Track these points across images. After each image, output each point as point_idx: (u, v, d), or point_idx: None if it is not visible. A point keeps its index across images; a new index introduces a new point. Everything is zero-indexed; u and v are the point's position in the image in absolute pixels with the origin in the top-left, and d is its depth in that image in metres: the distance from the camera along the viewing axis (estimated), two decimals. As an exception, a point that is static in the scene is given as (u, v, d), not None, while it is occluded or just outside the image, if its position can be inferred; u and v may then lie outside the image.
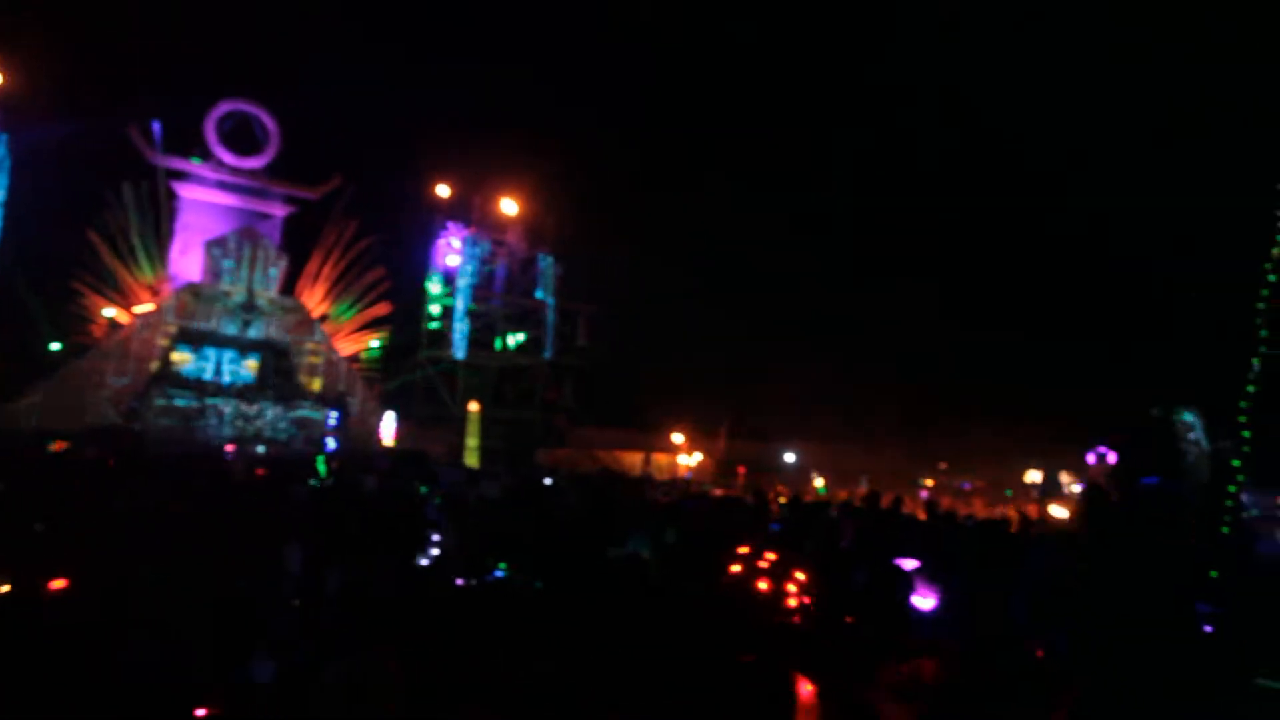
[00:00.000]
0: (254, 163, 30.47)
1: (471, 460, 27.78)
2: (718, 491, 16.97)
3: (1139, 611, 4.42)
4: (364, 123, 39.91)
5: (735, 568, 4.94)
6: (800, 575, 4.90)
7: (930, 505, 11.83)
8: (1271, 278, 5.55)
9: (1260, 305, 5.60)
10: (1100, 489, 8.75)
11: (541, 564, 5.77)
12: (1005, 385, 30.44)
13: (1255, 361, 5.65)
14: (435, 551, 5.92)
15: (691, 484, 24.59)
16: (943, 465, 32.92)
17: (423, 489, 9.76)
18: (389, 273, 32.65)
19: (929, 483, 30.39)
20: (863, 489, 21.12)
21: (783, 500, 12.37)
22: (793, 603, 4.81)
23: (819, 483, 28.35)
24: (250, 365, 28.21)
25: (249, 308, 28.47)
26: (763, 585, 4.81)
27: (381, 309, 32.52)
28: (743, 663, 3.96)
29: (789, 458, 33.25)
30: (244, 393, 27.30)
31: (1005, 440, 28.04)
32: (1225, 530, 6.44)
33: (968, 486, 30.86)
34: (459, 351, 31.54)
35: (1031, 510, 18.36)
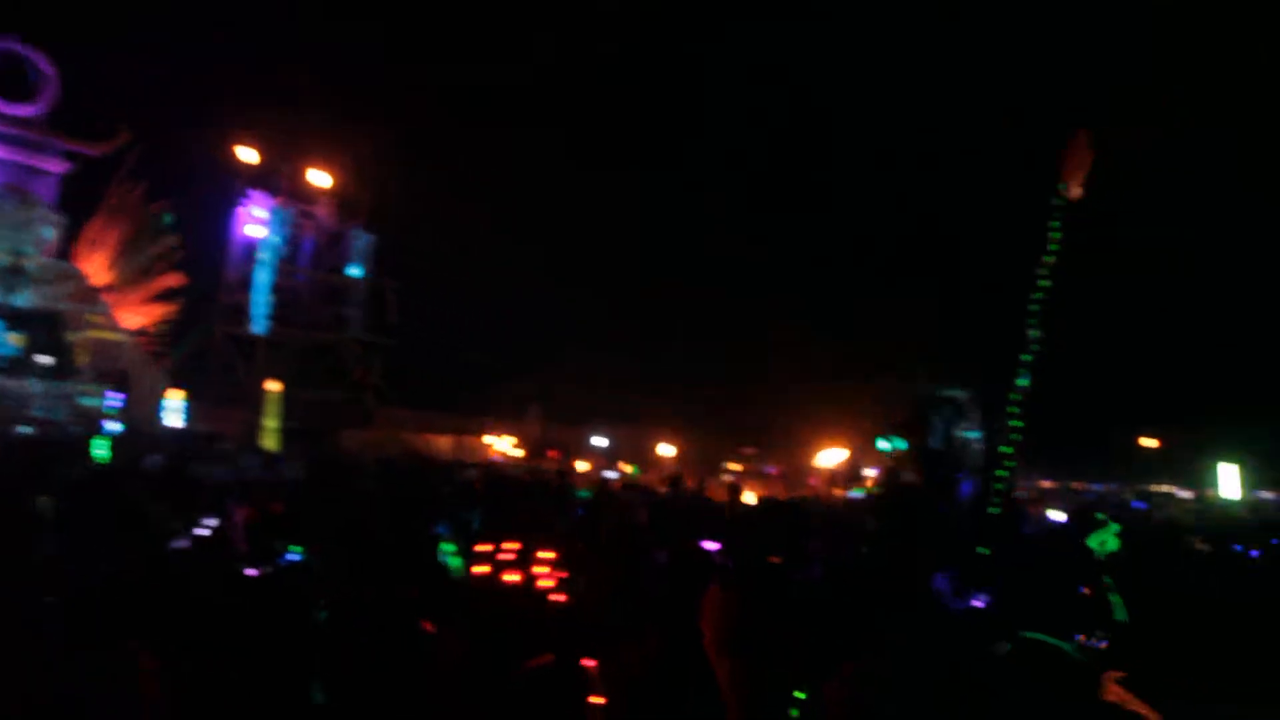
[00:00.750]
0: (25, 110, 27.44)
1: (270, 442, 26.38)
2: (526, 476, 16.88)
3: (924, 587, 4.68)
4: (160, 76, 36.89)
5: (480, 568, 4.81)
6: (546, 556, 4.85)
7: (732, 489, 12.22)
8: (1044, 283, 5.97)
9: (1033, 307, 6.01)
10: (897, 474, 9.29)
11: (342, 550, 5.50)
12: (812, 370, 31.89)
13: (1026, 357, 6.05)
14: (208, 530, 5.50)
15: (502, 468, 24.38)
16: (749, 450, 34.22)
17: (211, 472, 9.14)
18: (183, 241, 30.46)
19: (735, 467, 31.49)
20: (669, 471, 21.62)
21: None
22: (544, 584, 4.76)
23: (629, 468, 28.78)
24: (15, 338, 25.50)
25: (15, 272, 25.72)
26: (512, 578, 4.72)
27: (173, 280, 30.29)
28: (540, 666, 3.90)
29: (600, 441, 33.59)
30: (8, 368, 24.65)
31: (807, 425, 29.48)
32: (995, 510, 6.90)
33: (773, 471, 32.19)
34: (259, 327, 29.88)
35: (826, 493, 19.39)
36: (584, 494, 11.57)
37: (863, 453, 26.67)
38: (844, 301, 37.27)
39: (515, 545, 4.83)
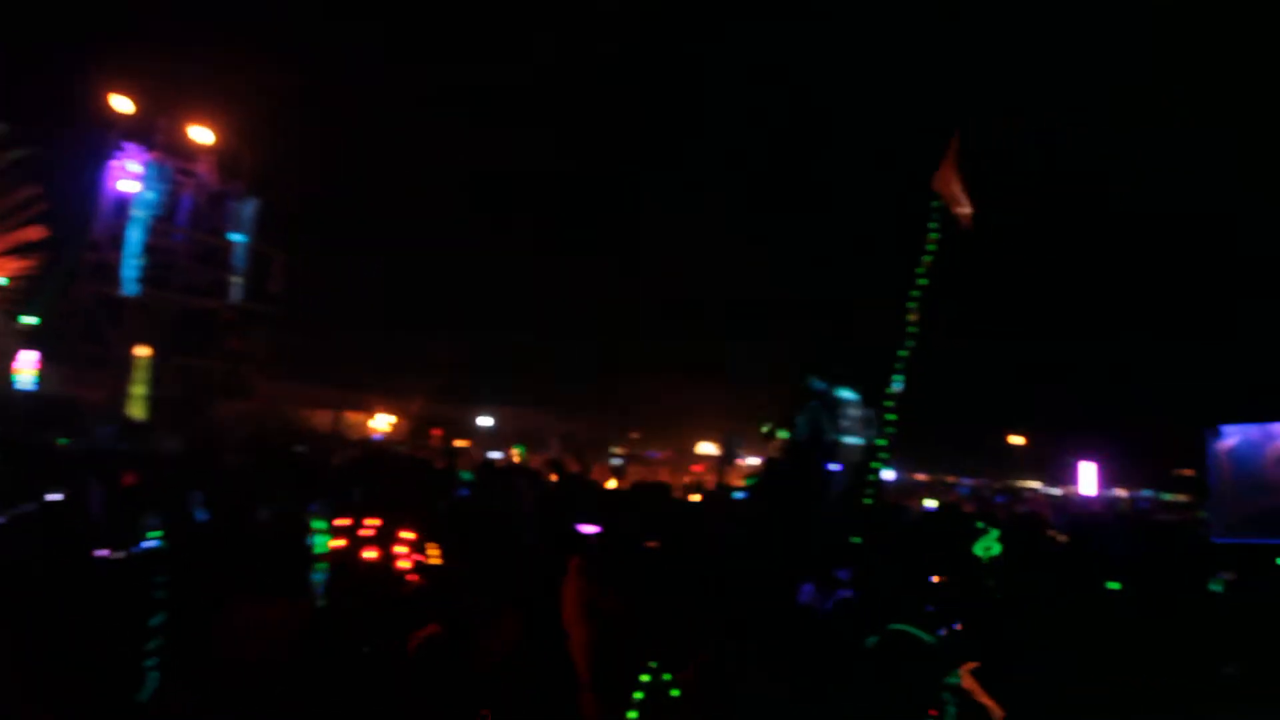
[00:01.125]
0: None
1: (137, 410, 25.12)
2: (408, 455, 16.57)
3: (787, 574, 4.76)
4: (23, 11, 34.38)
5: (337, 542, 4.70)
6: (407, 535, 4.79)
7: (616, 471, 12.25)
8: (922, 281, 6.12)
9: (910, 305, 6.15)
10: (779, 464, 9.47)
11: (203, 532, 5.25)
12: (698, 358, 32.17)
13: (903, 353, 6.19)
14: (50, 503, 5.17)
15: (384, 445, 23.87)
16: (635, 434, 34.40)
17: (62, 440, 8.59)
18: (47, 192, 28.48)
19: (620, 451, 31.61)
20: (552, 454, 21.53)
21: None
22: (404, 565, 4.69)
23: (516, 449, 28.57)
24: None
25: None
26: (370, 555, 4.64)
27: (35, 233, 28.35)
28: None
29: (485, 421, 33.23)
30: None
31: (691, 411, 29.84)
32: (868, 502, 7.08)
33: (656, 455, 32.45)
34: (130, 288, 28.31)
35: (709, 480, 19.64)
36: (467, 475, 11.42)
37: (746, 441, 27.14)
38: (733, 291, 37.74)
39: (376, 522, 4.71)
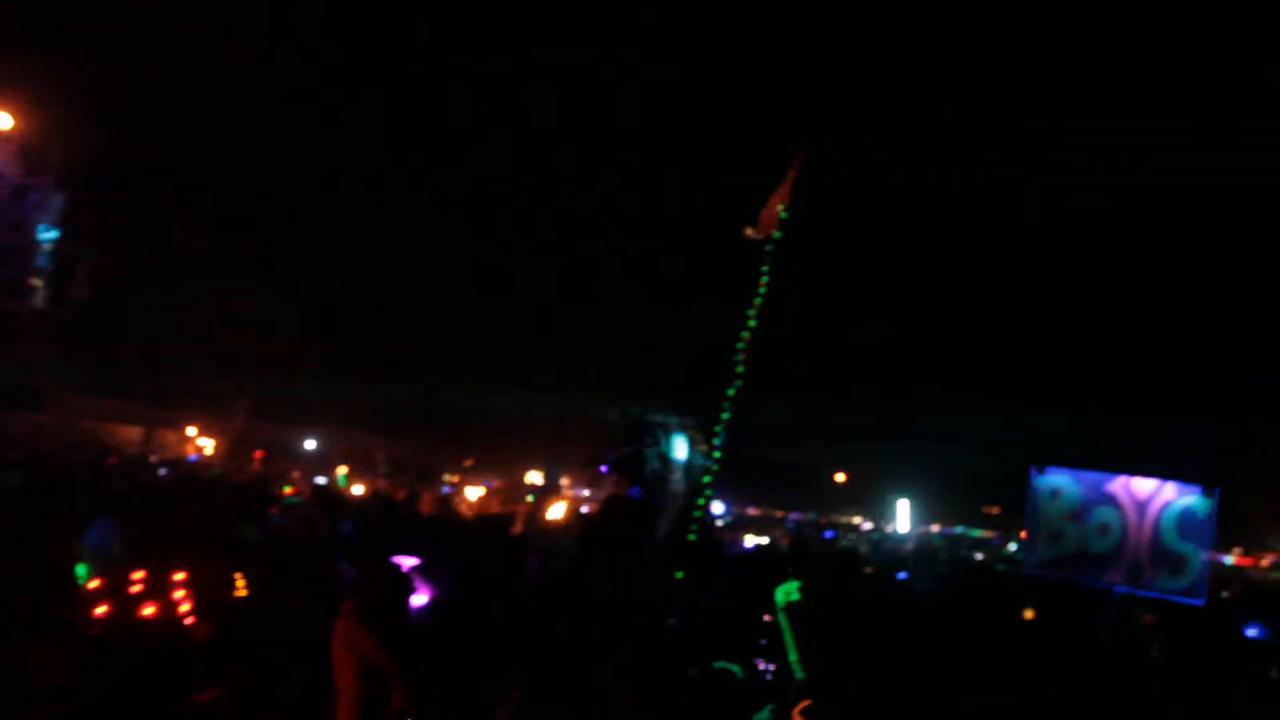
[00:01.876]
0: None
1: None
2: (238, 477, 15.60)
3: (604, 609, 4.68)
4: None
5: (102, 609, 4.32)
6: (179, 577, 4.48)
7: (444, 501, 11.94)
8: (753, 324, 6.18)
9: (739, 345, 6.20)
10: (617, 498, 9.43)
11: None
12: (533, 385, 32.03)
13: (730, 391, 6.23)
14: None
15: (199, 465, 22.43)
16: (468, 463, 33.78)
17: None
18: None
19: (452, 479, 30.96)
20: (381, 480, 20.84)
21: (288, 490, 11.69)
22: (184, 608, 4.38)
23: (342, 471, 27.43)
24: None
25: None
26: (149, 610, 4.30)
27: None
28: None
29: (311, 444, 31.81)
30: None
31: (528, 440, 29.61)
32: (692, 537, 7.07)
33: (491, 485, 31.91)
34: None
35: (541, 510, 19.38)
36: (292, 500, 10.86)
37: (580, 472, 27.05)
38: (568, 320, 37.91)
39: (142, 574, 4.33)
